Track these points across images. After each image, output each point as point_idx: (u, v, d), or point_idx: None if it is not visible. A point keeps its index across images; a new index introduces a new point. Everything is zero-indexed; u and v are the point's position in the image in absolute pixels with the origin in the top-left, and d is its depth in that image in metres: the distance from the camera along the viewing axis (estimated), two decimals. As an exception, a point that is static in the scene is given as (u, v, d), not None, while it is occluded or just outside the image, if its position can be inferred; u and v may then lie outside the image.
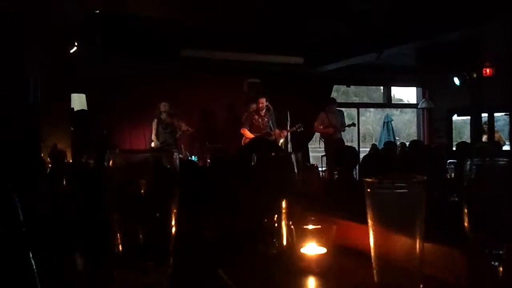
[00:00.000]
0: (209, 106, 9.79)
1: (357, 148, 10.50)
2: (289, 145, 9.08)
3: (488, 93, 10.05)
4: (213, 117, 9.97)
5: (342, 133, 10.42)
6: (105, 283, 0.77)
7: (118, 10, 7.09)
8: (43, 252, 0.96)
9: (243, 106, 9.65)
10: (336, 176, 5.08)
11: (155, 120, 8.47)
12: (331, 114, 10.05)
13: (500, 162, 0.78)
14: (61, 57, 6.86)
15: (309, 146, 11.25)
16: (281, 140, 8.96)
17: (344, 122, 10.56)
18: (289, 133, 9.72)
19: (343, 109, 10.91)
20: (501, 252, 0.75)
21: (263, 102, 8.65)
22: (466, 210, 0.77)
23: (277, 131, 9.02)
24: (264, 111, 8.68)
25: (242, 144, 8.34)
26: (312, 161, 10.73)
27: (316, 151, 12.68)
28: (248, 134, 8.35)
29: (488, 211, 0.76)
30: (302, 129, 9.19)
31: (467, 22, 6.65)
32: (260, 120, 8.62)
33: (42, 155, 5.22)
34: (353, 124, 10.93)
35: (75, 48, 7.33)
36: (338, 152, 4.97)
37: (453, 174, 5.23)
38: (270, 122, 8.66)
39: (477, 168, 0.77)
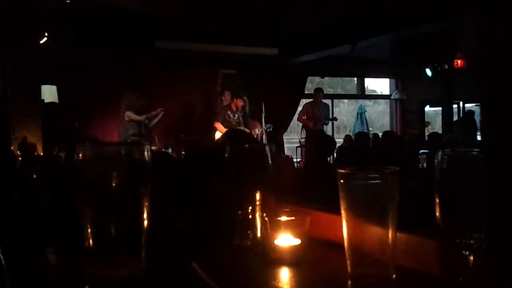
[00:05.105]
0: (184, 97, 9.72)
1: (331, 139, 10.57)
2: (264, 137, 9.09)
3: (459, 84, 10.23)
4: (187, 109, 9.91)
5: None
6: (76, 278, 0.76)
7: (90, 0, 6.95)
8: (13, 246, 0.94)
9: (218, 97, 9.61)
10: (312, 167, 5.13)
11: (130, 112, 8.04)
12: (316, 106, 10.04)
13: (471, 153, 0.79)
14: (31, 48, 6.71)
15: (284, 137, 11.30)
16: (257, 132, 8.97)
17: (328, 115, 10.59)
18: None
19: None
20: (471, 241, 0.76)
21: (240, 103, 8.60)
22: (437, 200, 0.78)
23: (256, 123, 9.02)
24: (237, 110, 8.65)
25: (214, 137, 8.30)
26: (287, 152, 10.77)
27: (291, 142, 12.73)
28: (221, 129, 8.28)
29: (459, 201, 0.77)
30: (271, 129, 9.21)
31: (440, 14, 6.74)
32: (232, 116, 8.58)
33: (12, 147, 5.13)
34: (335, 119, 11.00)
35: (45, 39, 7.18)
36: (317, 142, 4.98)
37: (425, 165, 5.32)
38: (241, 120, 8.64)
39: (449, 158, 0.78)
